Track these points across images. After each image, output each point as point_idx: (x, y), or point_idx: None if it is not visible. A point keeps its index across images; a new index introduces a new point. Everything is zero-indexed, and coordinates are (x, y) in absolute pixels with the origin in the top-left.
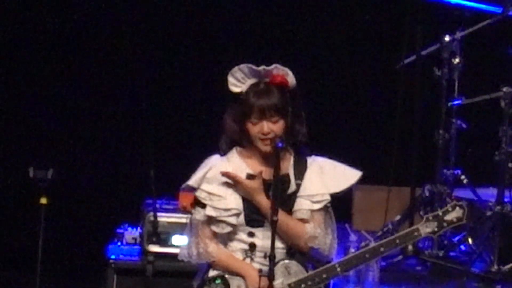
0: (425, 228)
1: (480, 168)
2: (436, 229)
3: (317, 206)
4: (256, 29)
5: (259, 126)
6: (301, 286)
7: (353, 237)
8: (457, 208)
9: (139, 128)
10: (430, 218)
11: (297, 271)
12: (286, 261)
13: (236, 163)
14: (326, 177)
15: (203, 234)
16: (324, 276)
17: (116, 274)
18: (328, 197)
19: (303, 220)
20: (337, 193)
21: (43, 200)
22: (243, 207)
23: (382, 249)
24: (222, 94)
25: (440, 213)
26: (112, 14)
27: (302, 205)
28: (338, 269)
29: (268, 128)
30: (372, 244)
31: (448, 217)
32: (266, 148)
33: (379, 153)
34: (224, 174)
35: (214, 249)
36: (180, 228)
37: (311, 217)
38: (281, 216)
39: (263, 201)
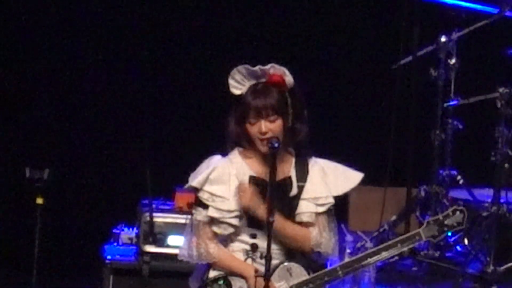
0: (426, 232)
1: (476, 168)
2: (436, 233)
3: (322, 209)
4: (254, 29)
5: (257, 126)
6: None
7: (349, 238)
8: (458, 212)
9: (136, 128)
10: (431, 222)
11: (299, 273)
12: (288, 263)
13: (238, 164)
14: (328, 179)
15: (204, 235)
16: (326, 278)
17: (112, 274)
18: (331, 200)
19: (307, 224)
20: (340, 195)
21: (39, 200)
22: None
23: (384, 253)
24: (219, 95)
25: (441, 218)
26: (111, 11)
27: (307, 208)
28: (340, 272)
29: (265, 127)
30: (372, 246)
31: (449, 221)
32: (265, 148)
33: (375, 153)
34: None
35: (215, 249)
36: (176, 228)
37: (315, 220)
38: (287, 224)
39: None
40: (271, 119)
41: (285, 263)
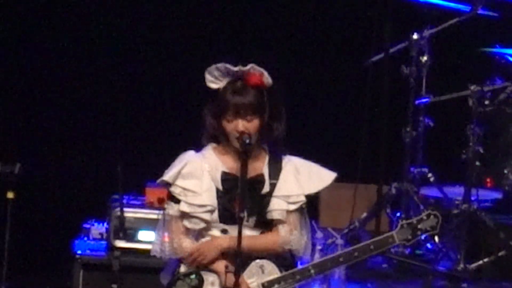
0: (399, 235)
1: (447, 166)
2: (409, 237)
3: (293, 207)
4: (224, 26)
5: (234, 124)
6: (274, 286)
7: (319, 234)
8: (432, 217)
9: (106, 123)
10: (405, 225)
11: (271, 270)
12: (260, 260)
13: (211, 159)
14: (301, 177)
15: (177, 230)
16: (298, 277)
17: (82, 269)
18: (303, 198)
19: (278, 221)
20: (312, 194)
21: (10, 195)
22: (218, 204)
23: (356, 254)
24: (191, 90)
25: (415, 221)
26: (88, 8)
27: (278, 205)
28: (312, 271)
29: (242, 126)
30: (342, 243)
31: (422, 225)
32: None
33: (347, 150)
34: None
35: (188, 244)
36: (146, 223)
37: (286, 218)
38: (255, 240)
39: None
40: (249, 119)
41: (258, 260)
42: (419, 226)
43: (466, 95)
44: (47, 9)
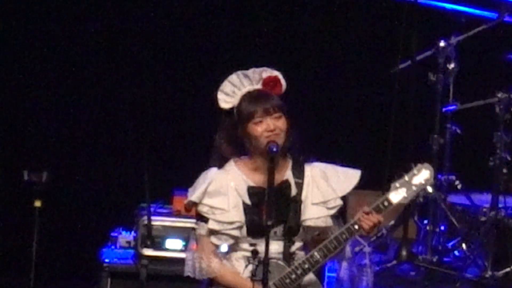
0: (395, 196)
1: (475, 173)
2: (406, 195)
3: (332, 211)
4: (251, 33)
5: (264, 124)
6: (286, 282)
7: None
8: (423, 170)
9: (134, 132)
10: (397, 185)
11: (279, 268)
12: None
13: (236, 175)
14: (332, 181)
15: (207, 249)
16: (307, 266)
17: (110, 278)
18: (340, 202)
19: (325, 228)
20: (345, 196)
21: (38, 203)
22: (245, 219)
23: (356, 226)
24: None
25: (407, 178)
26: (110, 15)
27: (319, 212)
28: (318, 256)
29: (273, 124)
30: (370, 251)
31: (416, 180)
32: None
33: (374, 157)
34: None
35: (217, 264)
36: (174, 231)
37: (334, 223)
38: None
39: None
40: (277, 116)
41: (266, 262)
42: (413, 182)
43: (493, 102)
44: (78, 14)
